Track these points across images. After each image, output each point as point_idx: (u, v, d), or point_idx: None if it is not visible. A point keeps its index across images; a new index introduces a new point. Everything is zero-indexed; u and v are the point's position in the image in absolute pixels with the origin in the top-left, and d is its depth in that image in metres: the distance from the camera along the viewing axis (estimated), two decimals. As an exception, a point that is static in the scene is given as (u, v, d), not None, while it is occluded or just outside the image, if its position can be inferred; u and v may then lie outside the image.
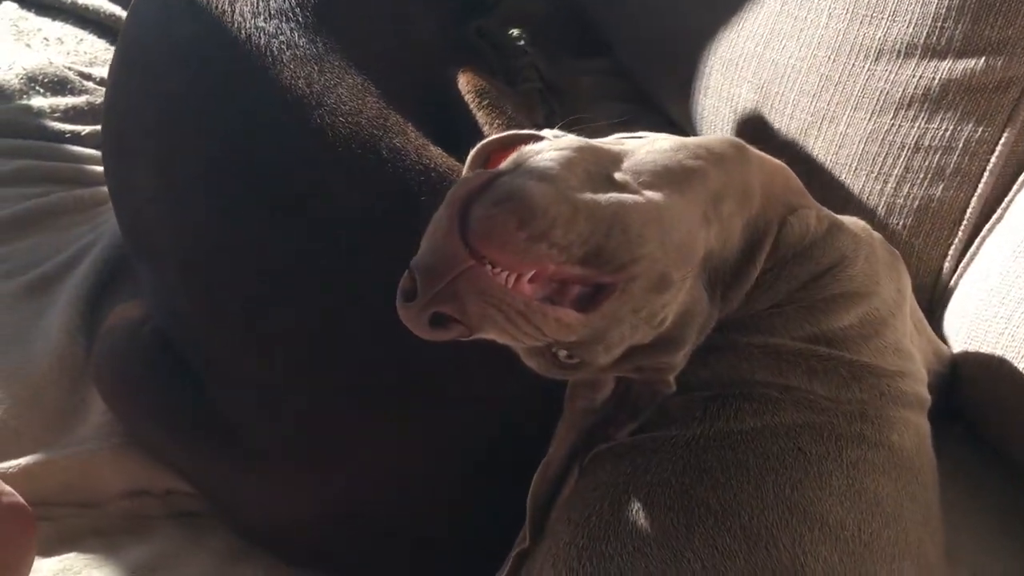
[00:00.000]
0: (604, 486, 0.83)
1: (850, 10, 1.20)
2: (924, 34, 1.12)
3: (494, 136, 0.83)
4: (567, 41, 1.73)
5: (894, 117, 1.16)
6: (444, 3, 1.30)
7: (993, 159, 1.10)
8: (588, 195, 0.70)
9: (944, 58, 1.11)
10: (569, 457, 0.88)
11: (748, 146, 0.89)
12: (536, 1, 1.72)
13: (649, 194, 0.74)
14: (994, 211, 1.12)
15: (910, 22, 1.13)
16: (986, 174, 1.11)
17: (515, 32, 1.67)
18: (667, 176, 0.77)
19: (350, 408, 0.91)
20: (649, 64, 1.66)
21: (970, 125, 1.11)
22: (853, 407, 0.84)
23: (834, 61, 1.22)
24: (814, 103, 1.25)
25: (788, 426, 0.83)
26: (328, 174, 0.91)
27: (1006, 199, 1.11)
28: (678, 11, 1.51)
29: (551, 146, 0.75)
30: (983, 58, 1.08)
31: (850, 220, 0.97)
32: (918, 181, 1.16)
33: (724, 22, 1.38)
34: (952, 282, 1.16)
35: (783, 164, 0.93)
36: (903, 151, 1.16)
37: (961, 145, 1.12)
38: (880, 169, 1.18)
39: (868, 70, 1.18)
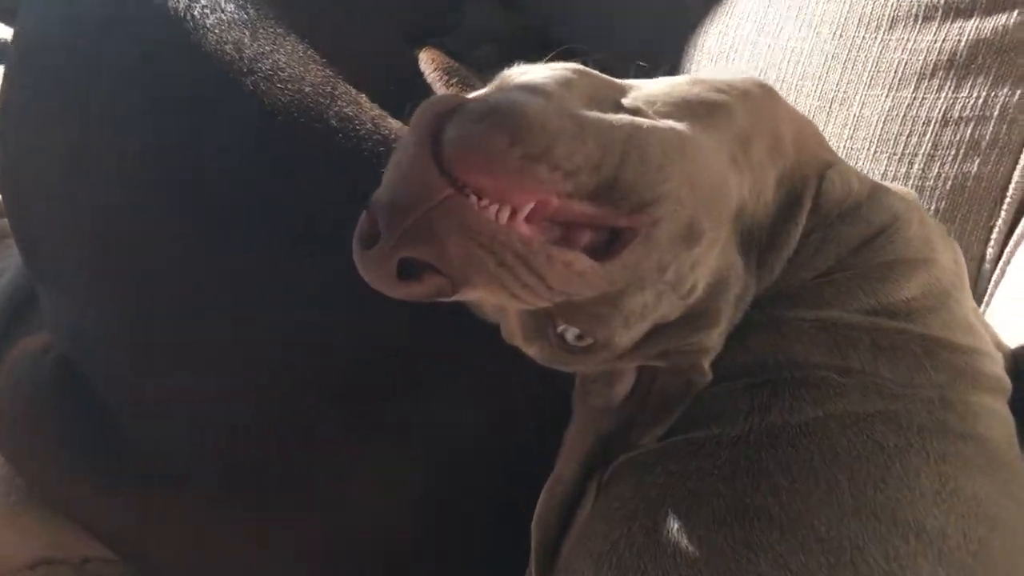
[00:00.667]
0: (632, 504, 0.67)
1: (855, -22, 1.08)
2: (945, -8, 0.99)
3: (451, 92, 0.66)
4: (536, 60, 1.60)
5: (916, 90, 1.03)
6: (398, 22, 1.14)
7: (1036, 125, 0.97)
8: (595, 113, 0.55)
9: (970, 16, 0.98)
10: (583, 471, 0.72)
11: (775, 90, 0.74)
12: (502, 19, 1.59)
13: (668, 123, 0.59)
14: (1042, 185, 0.98)
15: (929, -19, 1.01)
16: (1029, 143, 0.97)
17: (482, 52, 1.54)
18: (686, 107, 0.64)
19: (289, 431, 0.74)
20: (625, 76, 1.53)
21: (1005, 89, 0.98)
22: (930, 391, 0.69)
23: (840, 37, 1.09)
24: (821, 86, 1.11)
25: (856, 415, 0.66)
26: (265, 147, 0.76)
27: (1055, 169, 0.97)
28: (654, 12, 1.38)
29: (541, 68, 0.60)
30: (1016, 11, 0.96)
31: (892, 184, 0.82)
32: (949, 159, 1.02)
33: (709, 13, 1.25)
34: (998, 269, 1.01)
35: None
36: (929, 126, 1.02)
37: (997, 113, 0.98)
38: (904, 149, 1.04)
39: (882, 41, 1.05)
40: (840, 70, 1.09)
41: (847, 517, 0.61)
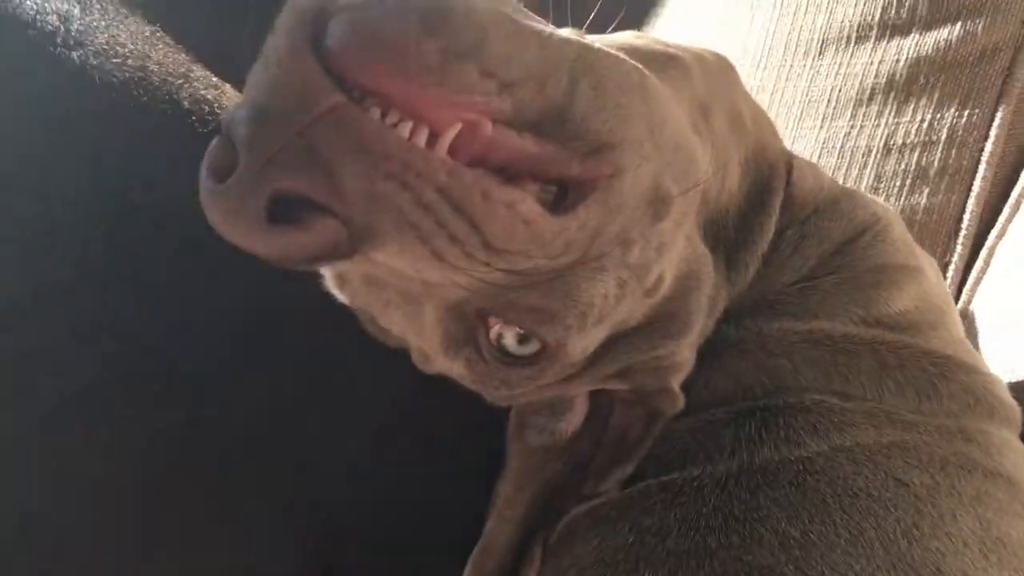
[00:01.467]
0: (593, 572, 0.49)
1: (778, 4, 0.99)
2: (878, 9, 0.91)
3: None
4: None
5: (852, 118, 0.93)
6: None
7: (988, 147, 0.88)
8: (535, 24, 0.41)
9: (908, 33, 0.90)
10: (522, 532, 0.55)
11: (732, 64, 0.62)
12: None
13: (621, 55, 0.47)
14: (999, 213, 0.88)
15: (859, 0, 0.92)
16: (982, 167, 0.88)
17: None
18: (636, 54, 0.50)
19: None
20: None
21: (952, 110, 0.89)
22: (946, 420, 0.55)
23: (764, 68, 1.00)
24: None
25: (869, 448, 0.52)
26: (92, 132, 0.60)
27: (1013, 195, 0.88)
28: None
29: None
30: (958, 24, 0.87)
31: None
32: (895, 190, 0.92)
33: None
34: (957, 311, 0.90)
35: None
36: (871, 156, 0.92)
37: (945, 136, 0.89)
38: (844, 184, 0.94)
39: (811, 68, 0.96)
40: (767, 103, 0.99)
41: (879, 573, 0.46)
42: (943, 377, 0.56)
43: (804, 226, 0.59)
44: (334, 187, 0.34)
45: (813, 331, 0.56)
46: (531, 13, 0.44)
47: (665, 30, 1.10)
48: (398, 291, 0.46)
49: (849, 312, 0.57)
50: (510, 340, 0.46)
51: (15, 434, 0.56)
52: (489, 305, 0.44)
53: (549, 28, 0.42)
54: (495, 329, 0.46)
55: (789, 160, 0.62)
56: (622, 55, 0.46)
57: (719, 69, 0.60)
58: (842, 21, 0.94)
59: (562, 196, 0.41)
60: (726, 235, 0.57)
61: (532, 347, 0.46)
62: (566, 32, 0.46)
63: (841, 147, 0.94)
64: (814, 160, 0.95)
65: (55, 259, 0.58)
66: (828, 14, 0.95)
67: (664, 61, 0.53)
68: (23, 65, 0.61)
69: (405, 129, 0.35)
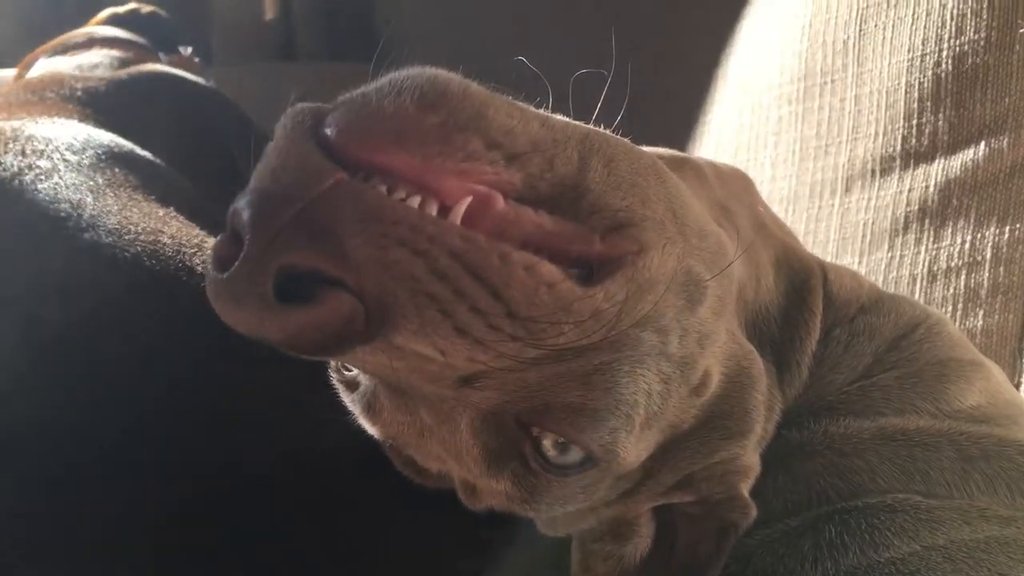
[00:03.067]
0: None
1: (796, 150, 1.00)
2: (899, 140, 0.91)
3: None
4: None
5: (891, 248, 0.91)
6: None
7: (1037, 259, 0.84)
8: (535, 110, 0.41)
9: (933, 159, 0.89)
10: None
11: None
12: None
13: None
14: (1061, 325, 0.84)
15: (877, 133, 0.93)
16: (1034, 281, 0.84)
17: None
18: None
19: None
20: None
21: (992, 228, 0.86)
22: None
23: (793, 212, 0.99)
24: None
25: (965, 545, 0.47)
26: (111, 303, 0.61)
27: (1072, 304, 0.83)
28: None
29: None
30: (982, 143, 0.87)
31: None
32: (947, 315, 0.88)
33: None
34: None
35: None
36: (916, 284, 0.90)
37: (990, 255, 0.86)
38: (892, 315, 0.91)
39: (841, 205, 0.96)
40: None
41: None
42: None
43: (852, 324, 0.57)
44: (343, 257, 0.32)
45: (884, 427, 0.51)
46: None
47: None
48: (429, 408, 0.43)
49: (917, 407, 0.53)
50: (548, 447, 0.43)
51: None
52: (527, 409, 0.41)
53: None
54: (536, 435, 0.42)
55: (822, 262, 0.60)
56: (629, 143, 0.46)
57: (735, 176, 0.60)
58: (863, 156, 0.94)
59: (587, 276, 0.39)
60: (771, 336, 0.54)
61: (576, 455, 0.43)
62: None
63: (884, 279, 0.92)
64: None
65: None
66: (848, 152, 0.95)
67: (679, 163, 0.53)
68: (42, 242, 0.64)
69: (414, 203, 0.34)
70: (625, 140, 0.44)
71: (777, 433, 0.53)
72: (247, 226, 0.32)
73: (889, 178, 0.92)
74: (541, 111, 0.40)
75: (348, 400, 0.49)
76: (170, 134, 0.90)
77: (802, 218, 0.99)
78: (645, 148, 0.56)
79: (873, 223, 0.93)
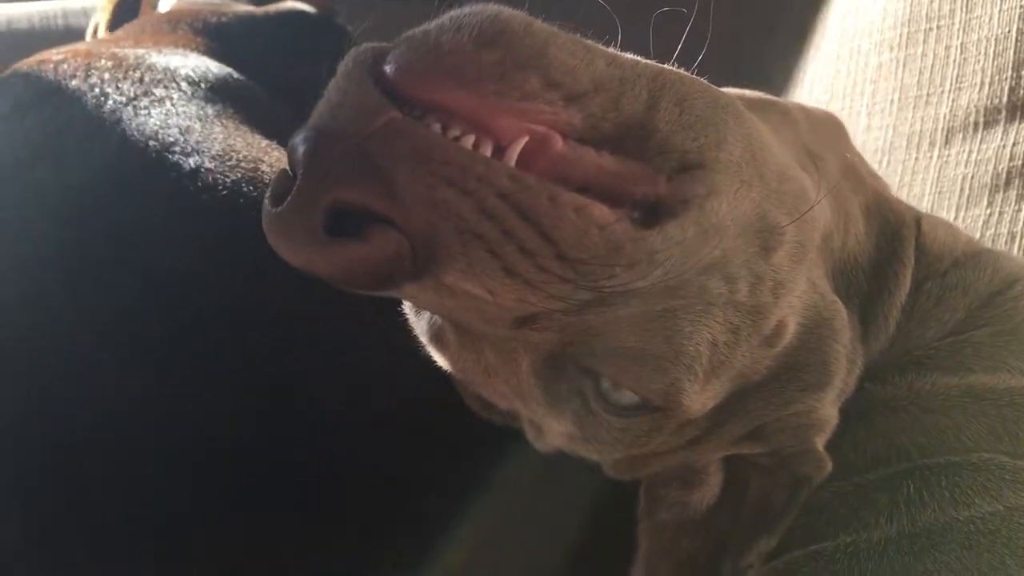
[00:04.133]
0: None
1: (895, 100, 0.96)
2: (1006, 90, 0.87)
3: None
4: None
5: (990, 204, 0.88)
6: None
7: None
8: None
9: (1041, 111, 0.85)
10: None
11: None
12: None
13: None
14: None
15: (983, 83, 0.88)
16: None
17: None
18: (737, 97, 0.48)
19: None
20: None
21: (1101, 185, 0.82)
22: None
23: (888, 164, 0.96)
24: None
25: None
26: (212, 223, 0.64)
27: None
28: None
29: None
30: (1095, 96, 0.82)
31: None
32: (1046, 276, 0.84)
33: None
34: None
35: None
36: (1015, 242, 0.86)
37: (1096, 214, 0.82)
38: (989, 273, 0.87)
39: (939, 158, 0.92)
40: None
41: None
42: None
43: (945, 278, 0.54)
44: (392, 194, 0.33)
45: (974, 385, 0.50)
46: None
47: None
48: (492, 347, 0.43)
49: (1010, 366, 0.51)
50: (611, 390, 0.42)
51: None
52: (587, 352, 0.41)
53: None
54: (597, 377, 0.42)
55: (916, 213, 0.58)
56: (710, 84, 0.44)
57: (827, 121, 0.58)
58: (967, 107, 0.90)
59: (650, 217, 0.39)
60: (859, 287, 0.53)
61: (637, 401, 0.42)
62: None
63: (981, 236, 0.88)
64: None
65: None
66: (951, 102, 0.91)
67: (765, 105, 0.52)
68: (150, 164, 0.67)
69: (468, 142, 0.34)
70: (702, 80, 0.43)
71: (859, 386, 0.51)
72: (300, 163, 0.33)
73: (993, 131, 0.88)
74: (610, 50, 0.39)
75: (417, 328, 0.49)
76: (287, 74, 0.93)
77: (897, 170, 0.95)
78: (730, 89, 0.55)
79: (972, 177, 0.89)
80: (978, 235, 0.88)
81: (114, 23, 1.14)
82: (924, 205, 0.93)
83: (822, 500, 0.49)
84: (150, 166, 0.65)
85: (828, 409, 0.49)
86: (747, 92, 0.55)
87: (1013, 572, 0.41)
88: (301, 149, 0.33)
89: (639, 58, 0.41)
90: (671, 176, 0.38)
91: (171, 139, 0.68)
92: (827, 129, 0.57)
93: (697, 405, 0.44)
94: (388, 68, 0.34)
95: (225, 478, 0.57)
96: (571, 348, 0.42)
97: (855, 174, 0.57)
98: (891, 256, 0.54)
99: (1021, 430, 0.48)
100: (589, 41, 0.38)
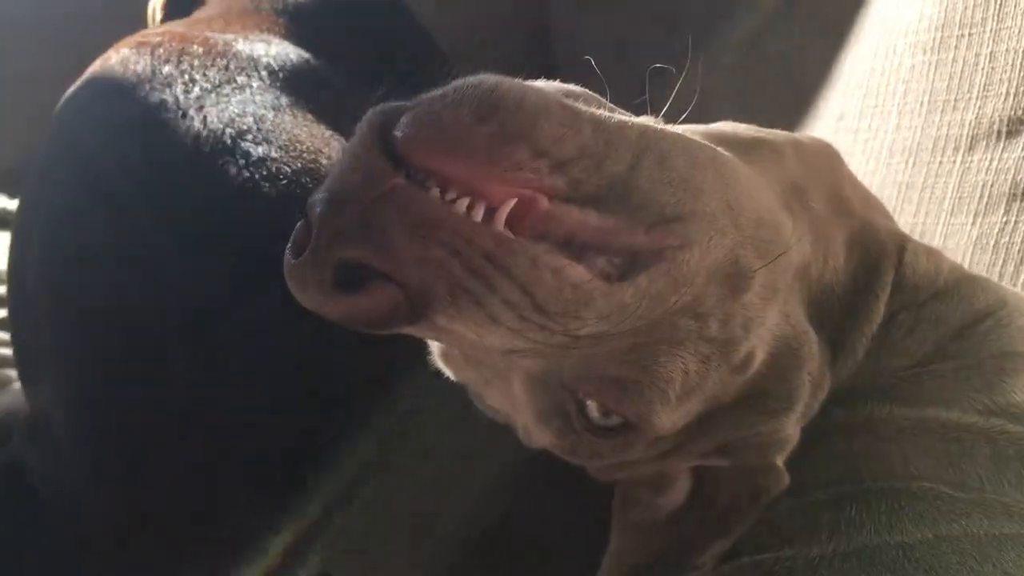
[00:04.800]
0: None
1: (925, 102, 0.98)
2: (1030, 102, 0.88)
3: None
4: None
5: (1007, 213, 0.90)
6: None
7: None
8: (595, 110, 0.45)
9: (1062, 126, 0.86)
10: None
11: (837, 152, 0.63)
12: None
13: (695, 139, 0.50)
14: None
15: (1008, 93, 0.90)
16: None
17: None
18: (718, 139, 0.53)
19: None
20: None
21: (1114, 202, 0.84)
22: None
23: (914, 165, 0.98)
24: (897, 219, 0.96)
25: (978, 539, 0.50)
26: (268, 211, 0.72)
27: None
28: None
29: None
30: (1116, 115, 0.84)
31: None
32: (1054, 287, 0.87)
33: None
34: None
35: None
36: (1026, 253, 0.88)
37: (1110, 228, 0.84)
38: (999, 281, 0.90)
39: (962, 164, 0.94)
40: (917, 200, 0.97)
41: None
42: None
43: (920, 311, 0.58)
44: (390, 254, 0.38)
45: (927, 419, 0.54)
46: (601, 100, 0.48)
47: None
48: (488, 366, 0.50)
49: (971, 400, 0.55)
50: (594, 412, 0.48)
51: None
52: (572, 377, 0.47)
53: (614, 114, 0.45)
54: (581, 399, 0.48)
55: (902, 243, 0.61)
56: (693, 136, 0.49)
57: (818, 152, 0.61)
58: (991, 116, 0.91)
59: (630, 268, 0.44)
60: (832, 315, 0.57)
61: (616, 419, 0.48)
62: (641, 119, 0.49)
63: (995, 243, 0.91)
64: (966, 257, 0.92)
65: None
66: (977, 109, 0.93)
67: (751, 144, 0.55)
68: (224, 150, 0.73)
69: (462, 205, 0.39)
70: (684, 135, 0.48)
71: (824, 409, 0.56)
72: (316, 222, 0.39)
73: (1015, 140, 0.90)
74: (599, 112, 0.44)
75: (430, 345, 0.56)
76: (360, 53, 1.01)
77: (922, 172, 0.97)
78: (725, 126, 0.59)
79: (992, 185, 0.91)
80: (992, 242, 0.91)
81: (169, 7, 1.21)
82: (945, 207, 0.95)
83: (775, 513, 0.54)
84: (225, 151, 0.72)
85: (790, 429, 0.54)
86: (741, 129, 0.58)
87: (929, 600, 0.46)
88: (317, 209, 0.39)
89: (627, 118, 0.46)
90: (649, 229, 0.43)
91: (245, 127, 0.74)
92: (818, 160, 0.61)
93: (668, 424, 0.49)
94: (397, 134, 0.39)
95: None
96: (557, 373, 0.48)
97: (844, 205, 0.60)
98: (866, 288, 0.58)
99: (964, 464, 0.52)
100: (580, 106, 0.43)
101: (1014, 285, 0.88)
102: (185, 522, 0.68)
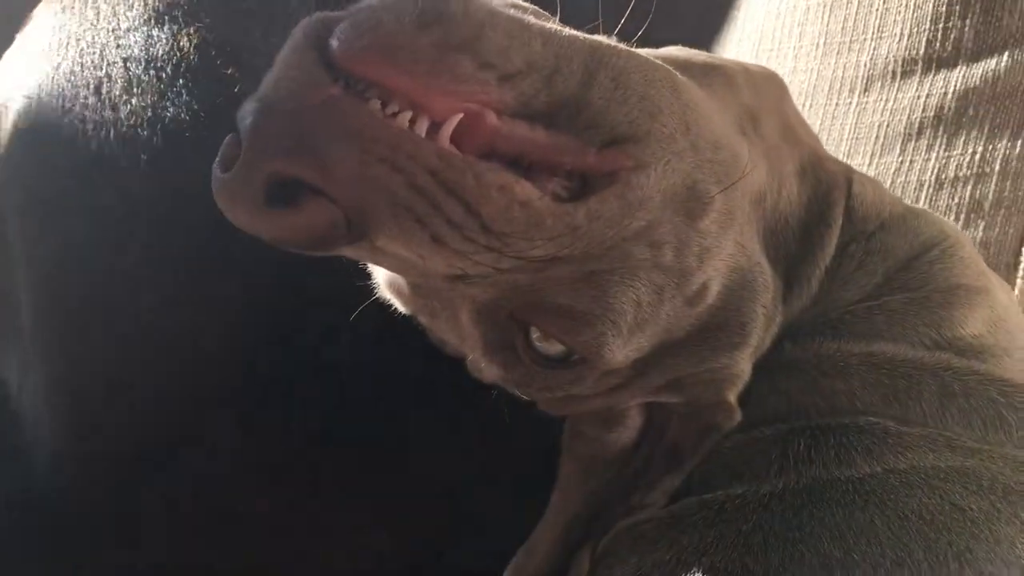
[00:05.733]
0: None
1: (820, 44, 0.99)
2: (923, 43, 0.90)
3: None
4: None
5: (902, 152, 0.92)
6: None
7: (1044, 176, 0.85)
8: (545, 23, 0.43)
9: (954, 66, 0.88)
10: (565, 543, 0.55)
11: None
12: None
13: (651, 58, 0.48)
14: (1058, 243, 0.86)
15: (902, 34, 0.92)
16: (1038, 197, 0.85)
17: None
18: (676, 64, 0.51)
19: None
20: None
21: (1004, 141, 0.87)
22: (1016, 451, 0.53)
23: (811, 108, 0.99)
24: None
25: (925, 472, 0.50)
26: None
27: (1073, 223, 0.85)
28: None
29: None
30: (1005, 54, 0.86)
31: None
32: (949, 224, 0.89)
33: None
34: None
35: None
36: (923, 191, 0.90)
37: (998, 168, 0.87)
38: (896, 219, 0.92)
39: (858, 105, 0.95)
40: (814, 141, 0.98)
41: None
42: (1011, 407, 0.53)
43: (869, 242, 0.58)
44: (326, 169, 0.35)
45: (874, 354, 0.54)
46: (548, 15, 0.45)
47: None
48: (435, 295, 0.47)
49: (919, 333, 0.55)
50: (538, 340, 0.46)
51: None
52: (520, 306, 0.45)
53: (562, 28, 0.43)
54: (532, 334, 0.46)
55: (849, 173, 0.61)
56: (648, 57, 0.47)
57: (767, 80, 0.60)
58: (886, 57, 0.93)
59: (580, 189, 0.42)
60: (787, 247, 0.56)
61: (566, 351, 0.46)
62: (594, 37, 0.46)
63: (892, 183, 0.92)
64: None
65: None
66: (872, 51, 0.94)
67: (705, 69, 0.54)
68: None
69: (404, 119, 0.36)
70: (639, 53, 0.46)
71: (776, 344, 0.55)
72: (246, 133, 0.35)
73: (909, 81, 0.91)
74: (550, 26, 0.41)
75: (375, 275, 0.53)
76: None
77: (819, 114, 0.98)
78: (676, 51, 0.57)
79: (888, 126, 0.93)
80: (889, 182, 0.92)
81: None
82: (842, 149, 0.96)
83: (722, 449, 0.53)
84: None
85: (743, 365, 0.53)
86: (694, 56, 0.57)
87: (880, 530, 0.46)
88: (247, 120, 0.36)
89: (579, 34, 0.43)
90: (600, 149, 0.41)
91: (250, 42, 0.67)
92: (769, 90, 0.59)
93: (620, 357, 0.48)
94: (334, 43, 0.36)
95: None
96: (505, 302, 0.45)
97: (793, 134, 0.59)
98: (819, 218, 0.57)
99: (911, 400, 0.52)
100: (530, 19, 0.41)
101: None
102: None
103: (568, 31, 0.42)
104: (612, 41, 0.45)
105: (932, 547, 0.46)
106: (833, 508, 0.47)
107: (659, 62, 0.46)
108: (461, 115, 0.37)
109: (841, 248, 0.57)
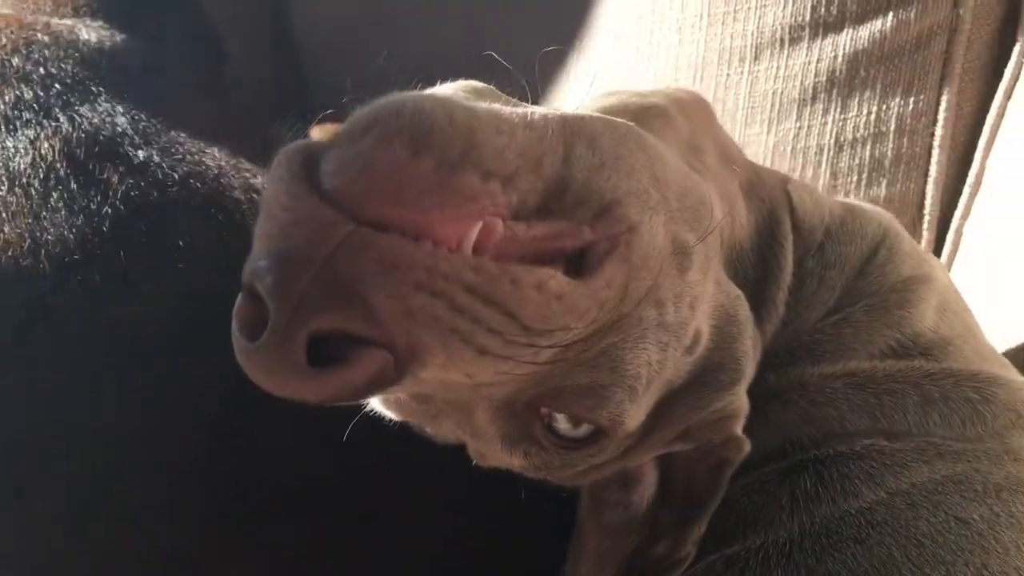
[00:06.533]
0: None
1: (704, 15, 0.98)
2: (808, 8, 0.90)
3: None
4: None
5: (799, 119, 0.93)
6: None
7: (939, 131, 0.88)
8: (511, 106, 0.42)
9: (841, 29, 0.89)
10: None
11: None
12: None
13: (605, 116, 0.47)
14: (959, 194, 0.89)
15: (787, 1, 0.91)
16: (935, 152, 0.89)
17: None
18: (616, 112, 0.50)
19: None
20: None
21: (897, 99, 0.89)
22: (991, 443, 0.55)
23: (702, 80, 0.98)
24: None
25: (924, 488, 0.52)
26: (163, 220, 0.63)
27: (971, 174, 0.88)
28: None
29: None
30: (889, 14, 0.87)
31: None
32: (852, 185, 0.91)
33: (556, 68, 1.13)
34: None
35: None
36: (823, 155, 0.92)
37: (894, 127, 0.89)
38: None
39: (750, 73, 0.95)
40: (709, 114, 0.98)
41: None
42: (985, 401, 0.55)
43: (823, 255, 0.59)
44: (369, 314, 0.32)
45: (854, 373, 0.55)
46: (499, 93, 0.43)
47: (595, 58, 1.08)
48: (446, 401, 0.44)
49: (885, 336, 0.57)
50: (564, 424, 0.44)
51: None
52: (538, 395, 0.43)
53: (523, 105, 0.41)
54: (546, 417, 0.45)
55: (784, 184, 0.61)
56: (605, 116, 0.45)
57: (696, 106, 0.59)
58: (773, 24, 0.93)
59: (582, 262, 0.40)
60: (746, 274, 0.56)
61: (584, 429, 0.45)
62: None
63: (792, 149, 0.94)
64: (768, 165, 0.94)
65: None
66: (757, 19, 0.94)
67: (643, 112, 0.53)
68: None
69: (427, 242, 0.34)
70: (600, 115, 0.45)
71: (759, 375, 0.55)
72: (270, 293, 0.32)
73: (798, 47, 0.92)
74: (519, 108, 0.40)
75: None
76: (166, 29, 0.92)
77: (711, 85, 0.98)
78: (610, 95, 0.55)
79: (782, 93, 0.94)
80: (789, 148, 0.93)
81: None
82: (738, 120, 0.97)
83: (731, 496, 0.53)
84: (103, 156, 0.62)
85: (743, 398, 0.53)
86: (628, 100, 0.55)
87: (901, 563, 0.47)
88: (268, 279, 0.32)
89: (541, 108, 0.41)
90: (592, 222, 0.40)
91: (120, 128, 0.65)
92: (699, 115, 0.59)
93: (635, 421, 0.47)
94: (327, 181, 0.33)
95: None
96: (523, 393, 0.44)
97: (728, 156, 0.59)
98: (771, 239, 0.57)
99: (896, 412, 0.54)
100: (499, 106, 0.39)
101: (814, 187, 0.92)
102: None
103: (531, 107, 0.41)
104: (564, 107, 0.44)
105: (951, 571, 0.47)
106: (852, 547, 0.48)
107: (618, 119, 0.45)
108: (480, 225, 0.35)
109: (798, 264, 0.58)
